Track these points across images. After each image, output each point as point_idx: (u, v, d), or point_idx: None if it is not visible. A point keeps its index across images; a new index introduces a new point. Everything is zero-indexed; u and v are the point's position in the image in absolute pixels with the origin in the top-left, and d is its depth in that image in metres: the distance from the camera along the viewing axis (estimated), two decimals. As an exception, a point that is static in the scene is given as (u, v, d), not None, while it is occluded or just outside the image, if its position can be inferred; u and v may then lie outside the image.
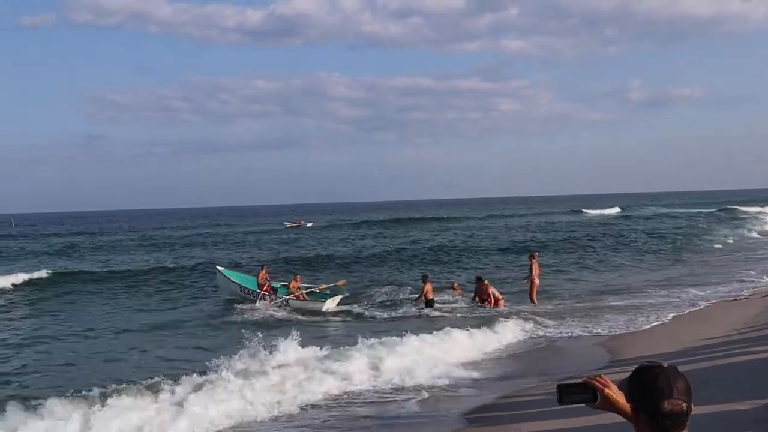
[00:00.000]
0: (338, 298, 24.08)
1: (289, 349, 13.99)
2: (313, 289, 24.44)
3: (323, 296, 23.97)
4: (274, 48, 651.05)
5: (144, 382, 12.08)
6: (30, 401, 11.06)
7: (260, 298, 23.66)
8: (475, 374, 13.05)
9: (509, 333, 16.54)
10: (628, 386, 2.63)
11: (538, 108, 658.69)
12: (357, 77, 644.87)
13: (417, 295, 22.63)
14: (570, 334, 16.69)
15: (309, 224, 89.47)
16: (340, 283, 25.73)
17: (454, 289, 25.61)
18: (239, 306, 23.37)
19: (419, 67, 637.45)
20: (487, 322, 17.93)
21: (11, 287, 28.77)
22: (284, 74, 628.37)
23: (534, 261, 22.74)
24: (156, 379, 12.15)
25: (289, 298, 23.67)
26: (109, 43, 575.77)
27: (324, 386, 12.22)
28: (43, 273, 31.89)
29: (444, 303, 22.85)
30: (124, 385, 11.95)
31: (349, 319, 21.56)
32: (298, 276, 24.97)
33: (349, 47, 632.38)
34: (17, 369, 15.27)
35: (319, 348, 14.39)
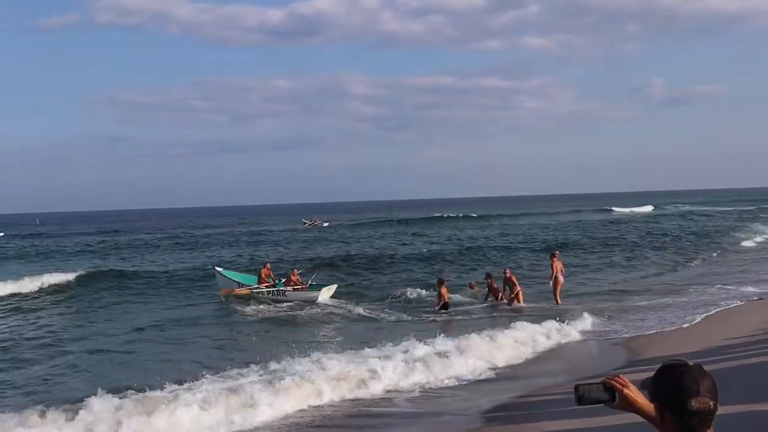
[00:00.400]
0: (333, 287, 25.36)
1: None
2: (311, 282, 25.64)
3: (318, 287, 25.07)
4: (294, 47, 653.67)
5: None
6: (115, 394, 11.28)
7: (257, 292, 24.78)
8: (494, 374, 12.98)
9: (529, 334, 16.34)
10: (652, 385, 2.59)
11: (559, 106, 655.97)
12: (377, 76, 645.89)
13: (437, 303, 22.18)
14: (593, 333, 16.50)
15: (325, 223, 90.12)
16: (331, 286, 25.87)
17: (471, 288, 25.50)
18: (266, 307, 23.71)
19: (439, 66, 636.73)
20: (505, 322, 17.83)
21: (48, 286, 28.69)
22: (304, 74, 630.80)
23: (555, 259, 22.55)
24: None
25: (286, 290, 24.72)
26: (130, 44, 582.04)
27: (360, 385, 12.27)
28: (81, 272, 31.78)
29: (459, 305, 22.64)
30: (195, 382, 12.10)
31: (366, 321, 21.30)
32: (295, 270, 26.30)
33: (369, 46, 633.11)
34: (62, 370, 15.27)
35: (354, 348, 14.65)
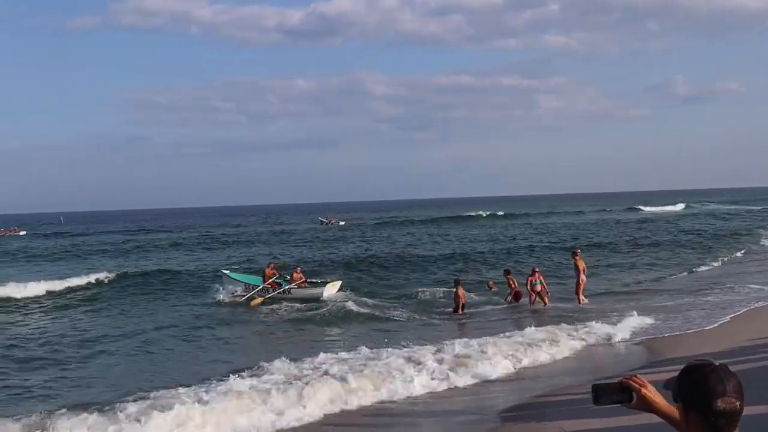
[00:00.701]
0: (338, 284, 25.78)
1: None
2: (314, 280, 26.24)
3: (322, 283, 25.57)
4: (314, 47, 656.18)
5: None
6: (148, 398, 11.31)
7: (262, 292, 25.13)
8: (512, 374, 12.88)
9: (550, 333, 16.15)
10: (676, 385, 2.53)
11: (579, 104, 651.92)
12: (396, 76, 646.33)
13: (454, 303, 21.88)
14: (615, 333, 16.18)
15: (342, 222, 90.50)
16: (334, 282, 26.23)
17: (490, 287, 25.25)
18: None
19: (459, 65, 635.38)
20: (523, 322, 17.61)
21: (75, 286, 28.79)
22: (324, 74, 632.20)
23: (578, 258, 22.28)
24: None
25: (291, 287, 25.15)
26: (151, 45, 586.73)
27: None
28: (107, 272, 31.65)
29: (477, 306, 22.44)
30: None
31: (382, 320, 21.08)
32: (299, 268, 26.95)
33: (388, 45, 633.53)
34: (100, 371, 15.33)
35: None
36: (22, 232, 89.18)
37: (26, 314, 23.79)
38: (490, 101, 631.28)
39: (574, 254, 22.84)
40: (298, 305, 23.75)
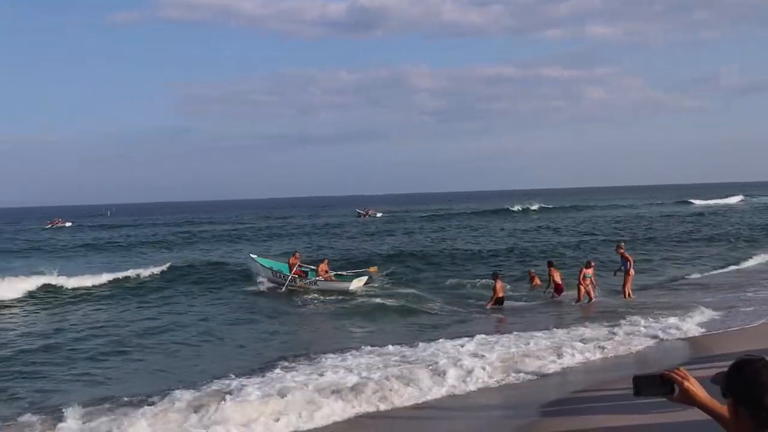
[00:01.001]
0: (364, 278, 26.05)
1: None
2: (341, 273, 26.57)
3: (349, 278, 25.93)
4: (356, 40, 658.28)
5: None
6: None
7: (290, 281, 25.51)
8: (551, 370, 12.62)
9: (589, 329, 15.77)
10: (725, 381, 2.53)
11: (626, 95, 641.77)
12: (438, 67, 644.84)
13: (491, 297, 21.46)
14: (661, 329, 15.69)
15: (378, 214, 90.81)
16: (372, 269, 27.51)
17: (531, 277, 24.68)
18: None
19: (501, 56, 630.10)
20: (563, 317, 17.11)
21: (123, 278, 28.49)
22: (366, 66, 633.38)
23: (622, 252, 21.62)
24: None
25: (317, 279, 25.52)
26: (195, 39, 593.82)
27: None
28: (159, 265, 31.23)
29: (515, 299, 22.08)
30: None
31: (418, 314, 20.82)
32: (326, 260, 27.34)
33: (429, 37, 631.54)
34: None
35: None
36: (68, 224, 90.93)
37: (78, 305, 23.86)
38: (533, 92, 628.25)
39: (618, 248, 22.23)
40: (339, 297, 23.75)
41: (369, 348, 14.49)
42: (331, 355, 14.02)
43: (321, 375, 12.08)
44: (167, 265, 31.26)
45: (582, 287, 20.83)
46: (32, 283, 26.11)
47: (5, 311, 22.67)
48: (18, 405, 11.83)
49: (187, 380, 12.57)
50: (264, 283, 26.13)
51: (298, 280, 25.66)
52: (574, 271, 22.50)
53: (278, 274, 26.24)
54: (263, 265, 27.18)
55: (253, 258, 28.26)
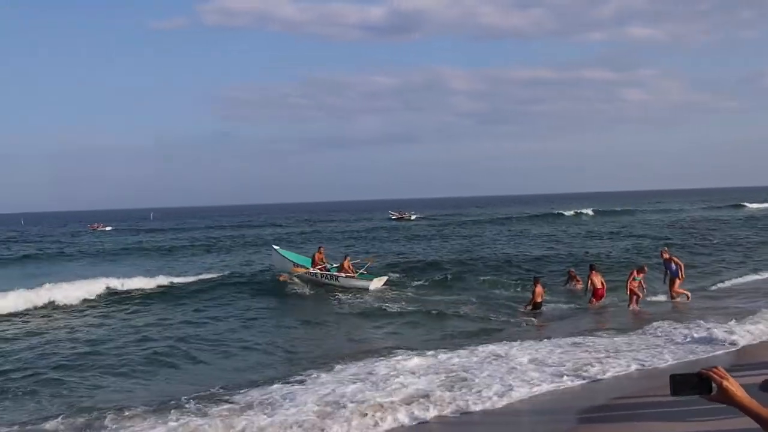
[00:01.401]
0: (384, 278, 26.72)
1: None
2: (362, 271, 27.10)
3: (369, 276, 26.66)
4: (394, 43, 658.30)
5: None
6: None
7: (312, 275, 26.28)
8: (593, 376, 12.30)
9: (637, 334, 15.33)
10: None
11: (668, 97, 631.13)
12: (476, 70, 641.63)
13: (528, 301, 21.27)
14: (709, 334, 15.14)
15: (413, 216, 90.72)
16: (369, 260, 28.80)
17: (571, 276, 24.18)
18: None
19: (540, 59, 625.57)
20: (608, 324, 16.74)
21: (156, 287, 27.78)
22: (404, 69, 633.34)
23: (667, 256, 21.09)
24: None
25: (339, 276, 26.17)
26: (235, 44, 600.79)
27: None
28: (196, 273, 31.18)
29: (555, 302, 21.73)
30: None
31: (454, 318, 20.62)
32: (348, 257, 28.08)
33: (468, 40, 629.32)
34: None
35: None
36: (108, 228, 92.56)
37: (135, 308, 23.75)
38: (573, 94, 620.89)
39: (663, 252, 21.74)
40: (365, 298, 23.85)
41: (413, 353, 14.37)
42: (380, 361, 13.94)
43: (373, 383, 12.01)
44: (223, 270, 31.65)
45: (631, 291, 20.30)
46: (98, 285, 26.35)
47: (76, 313, 22.81)
48: (86, 402, 12.24)
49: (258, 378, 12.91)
50: (284, 276, 26.67)
51: (319, 275, 26.27)
52: (624, 276, 21.96)
53: (299, 267, 26.93)
54: (286, 258, 27.79)
55: (275, 249, 28.93)
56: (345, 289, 25.28)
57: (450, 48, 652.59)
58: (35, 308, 23.24)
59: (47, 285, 25.25)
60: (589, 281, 21.31)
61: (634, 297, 20.25)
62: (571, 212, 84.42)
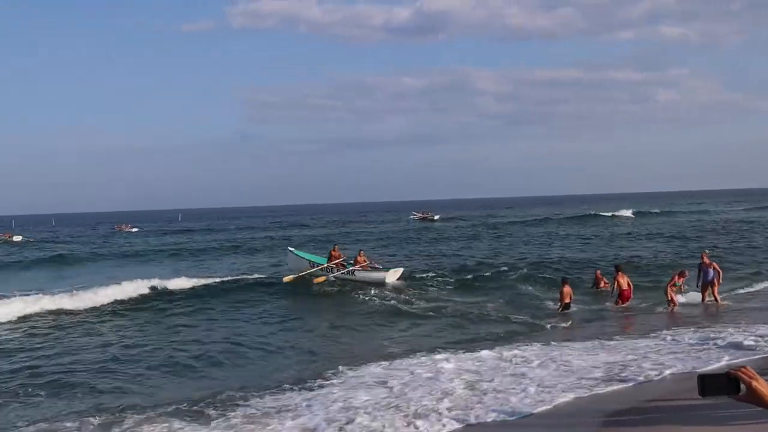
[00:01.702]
0: (399, 270, 27.32)
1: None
2: (376, 266, 28.05)
3: (385, 268, 27.31)
4: (420, 44, 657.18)
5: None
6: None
7: (328, 270, 26.96)
8: (618, 377, 12.12)
9: (671, 336, 15.12)
10: None
11: (699, 97, 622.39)
12: (503, 71, 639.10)
13: (557, 302, 21.13)
14: (745, 338, 14.76)
15: (436, 216, 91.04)
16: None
17: (599, 280, 23.95)
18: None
19: (567, 59, 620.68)
20: (641, 326, 16.55)
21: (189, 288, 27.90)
22: (430, 70, 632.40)
23: (706, 261, 20.76)
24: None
25: (355, 269, 26.87)
26: (263, 46, 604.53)
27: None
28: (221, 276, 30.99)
29: (583, 303, 21.50)
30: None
31: (477, 319, 20.59)
32: (362, 251, 28.95)
33: (494, 41, 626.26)
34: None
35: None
36: (134, 229, 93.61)
37: (172, 310, 23.75)
38: (602, 95, 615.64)
39: (703, 255, 21.42)
40: (393, 300, 23.70)
41: (440, 355, 14.29)
42: (407, 362, 13.91)
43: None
44: (251, 272, 31.60)
45: (670, 293, 20.04)
46: (143, 285, 26.62)
47: (108, 314, 22.98)
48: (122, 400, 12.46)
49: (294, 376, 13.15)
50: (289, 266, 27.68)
51: (335, 270, 27.00)
52: (662, 278, 21.78)
53: (315, 265, 27.77)
54: (302, 257, 28.61)
55: (291, 251, 29.73)
56: (368, 288, 25.29)
57: (475, 49, 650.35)
58: (66, 310, 23.32)
59: (82, 286, 25.63)
60: (616, 283, 21.03)
61: (673, 300, 19.99)
62: (609, 213, 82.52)
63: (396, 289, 25.72)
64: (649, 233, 52.72)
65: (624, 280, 21.06)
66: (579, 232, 57.72)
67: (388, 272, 26.73)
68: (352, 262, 27.64)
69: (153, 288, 26.71)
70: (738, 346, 13.98)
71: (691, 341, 14.64)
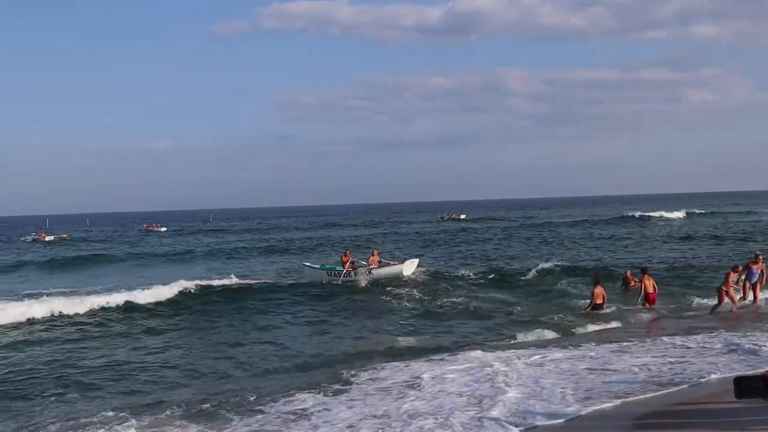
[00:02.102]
0: (415, 262, 28.43)
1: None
2: (388, 262, 29.18)
3: (401, 259, 28.63)
4: (451, 44, 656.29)
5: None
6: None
7: (345, 275, 27.78)
8: (652, 380, 11.75)
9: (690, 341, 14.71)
10: None
11: (733, 97, 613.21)
12: (535, 71, 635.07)
13: (588, 303, 20.83)
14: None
15: (462, 216, 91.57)
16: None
17: (628, 280, 23.49)
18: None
19: (600, 59, 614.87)
20: (666, 326, 16.10)
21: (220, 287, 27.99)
22: (462, 70, 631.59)
23: (761, 264, 20.26)
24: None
25: (372, 268, 27.78)
26: (295, 47, 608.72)
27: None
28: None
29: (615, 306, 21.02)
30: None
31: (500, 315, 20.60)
32: (376, 251, 30.05)
33: (527, 41, 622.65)
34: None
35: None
36: (163, 229, 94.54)
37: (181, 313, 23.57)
38: (635, 95, 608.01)
39: (758, 256, 20.84)
40: (424, 302, 23.49)
41: (462, 355, 14.24)
42: (430, 362, 13.79)
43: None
44: (281, 273, 32.27)
45: (726, 293, 19.50)
46: (177, 286, 26.66)
47: (146, 314, 23.02)
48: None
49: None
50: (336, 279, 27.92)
51: (352, 273, 27.81)
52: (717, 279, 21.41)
53: (332, 272, 28.64)
54: (317, 269, 29.55)
55: (307, 265, 30.61)
56: (399, 288, 25.38)
57: (508, 49, 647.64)
58: (103, 308, 23.53)
59: (116, 285, 26.40)
60: (642, 285, 20.87)
61: (733, 299, 19.55)
62: (658, 214, 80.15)
63: (427, 288, 25.63)
64: (700, 235, 50.94)
65: (650, 283, 20.92)
66: (619, 233, 56.36)
67: (404, 264, 27.79)
68: (364, 263, 28.57)
69: (184, 289, 26.78)
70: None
71: (721, 344, 14.26)
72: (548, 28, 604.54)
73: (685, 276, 27.26)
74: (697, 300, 21.62)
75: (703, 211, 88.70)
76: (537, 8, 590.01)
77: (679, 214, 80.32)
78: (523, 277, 28.82)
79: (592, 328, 18.24)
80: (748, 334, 15.22)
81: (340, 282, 27.40)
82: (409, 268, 27.72)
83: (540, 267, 30.88)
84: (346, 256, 29.33)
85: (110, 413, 11.19)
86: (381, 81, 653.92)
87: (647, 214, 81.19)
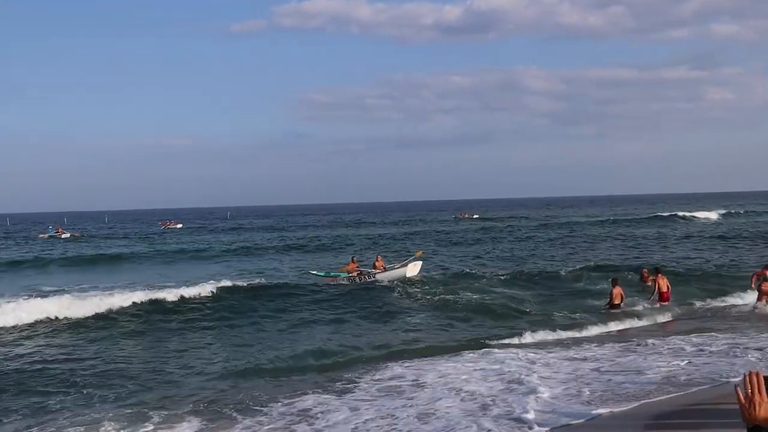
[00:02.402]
0: (419, 264, 28.25)
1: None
2: (392, 265, 29.07)
3: (405, 262, 28.37)
4: (469, 43, 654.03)
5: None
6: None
7: (350, 280, 27.73)
8: (666, 381, 11.73)
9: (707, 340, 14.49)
10: None
11: (755, 96, 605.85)
12: (553, 70, 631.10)
13: (606, 302, 20.84)
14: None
15: (475, 215, 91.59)
16: (417, 253, 30.54)
17: (645, 278, 23.43)
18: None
19: (619, 58, 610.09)
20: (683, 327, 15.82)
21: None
22: (479, 69, 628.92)
23: None
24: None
25: (376, 272, 27.88)
26: (313, 45, 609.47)
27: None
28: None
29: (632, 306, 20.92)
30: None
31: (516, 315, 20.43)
32: (380, 256, 30.42)
33: (545, 39, 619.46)
34: None
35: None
36: (179, 225, 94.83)
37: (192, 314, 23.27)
38: (655, 95, 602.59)
39: None
40: (438, 303, 23.29)
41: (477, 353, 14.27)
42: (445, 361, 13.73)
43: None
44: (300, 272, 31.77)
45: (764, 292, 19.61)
46: (191, 285, 26.32)
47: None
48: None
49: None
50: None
51: (358, 279, 27.92)
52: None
53: (336, 280, 28.12)
54: (321, 276, 29.46)
55: (313, 273, 30.42)
56: (415, 287, 25.37)
57: (526, 48, 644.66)
58: (119, 310, 23.37)
59: (131, 283, 26.67)
60: (656, 285, 21.19)
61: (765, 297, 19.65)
62: (689, 214, 78.55)
63: (446, 287, 25.53)
64: (737, 235, 49.65)
65: (663, 282, 21.29)
66: (647, 233, 55.37)
67: (407, 267, 27.92)
68: (370, 270, 28.66)
69: (198, 289, 26.25)
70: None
71: (742, 345, 14.13)
72: (567, 27, 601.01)
73: (706, 277, 26.91)
74: (722, 299, 21.75)
75: (741, 211, 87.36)
76: (556, 7, 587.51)
77: (711, 215, 78.76)
78: (548, 277, 28.63)
79: (608, 328, 18.14)
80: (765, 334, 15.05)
81: (344, 281, 27.39)
82: (412, 270, 27.80)
83: (570, 268, 30.40)
84: (353, 262, 29.45)
85: (127, 411, 11.26)
86: (399, 79, 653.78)
87: (680, 213, 80.00)
